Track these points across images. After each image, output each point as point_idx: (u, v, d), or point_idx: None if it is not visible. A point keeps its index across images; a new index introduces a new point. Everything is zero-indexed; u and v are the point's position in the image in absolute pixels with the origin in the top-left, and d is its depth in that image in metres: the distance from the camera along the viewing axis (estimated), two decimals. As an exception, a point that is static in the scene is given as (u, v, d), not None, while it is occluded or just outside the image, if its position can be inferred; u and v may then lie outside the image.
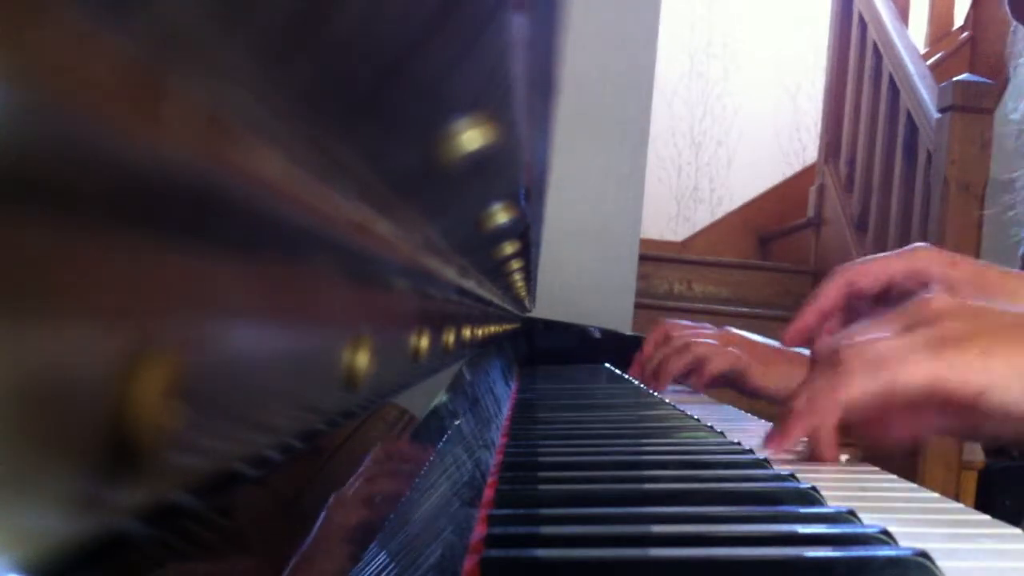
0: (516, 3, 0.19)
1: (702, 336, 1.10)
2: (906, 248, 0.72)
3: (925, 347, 0.54)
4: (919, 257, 0.69)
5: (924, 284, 0.66)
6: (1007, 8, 0.97)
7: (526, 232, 0.47)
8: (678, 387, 1.12)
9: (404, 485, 0.36)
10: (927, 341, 0.54)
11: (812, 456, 0.59)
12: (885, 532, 0.36)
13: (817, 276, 2.85)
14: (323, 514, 0.26)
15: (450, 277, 0.41)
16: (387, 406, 0.35)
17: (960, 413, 0.54)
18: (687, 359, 1.07)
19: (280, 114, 0.13)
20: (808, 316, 0.73)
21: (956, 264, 0.67)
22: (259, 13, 0.11)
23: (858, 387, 0.54)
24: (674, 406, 0.85)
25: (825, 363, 0.57)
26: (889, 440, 0.57)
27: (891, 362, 0.54)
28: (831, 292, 0.72)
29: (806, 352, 1.05)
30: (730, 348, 1.05)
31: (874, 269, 0.71)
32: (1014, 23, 1.06)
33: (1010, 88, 1.10)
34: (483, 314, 0.70)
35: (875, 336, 0.56)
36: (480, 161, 0.22)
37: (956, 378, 0.52)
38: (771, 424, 0.76)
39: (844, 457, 0.60)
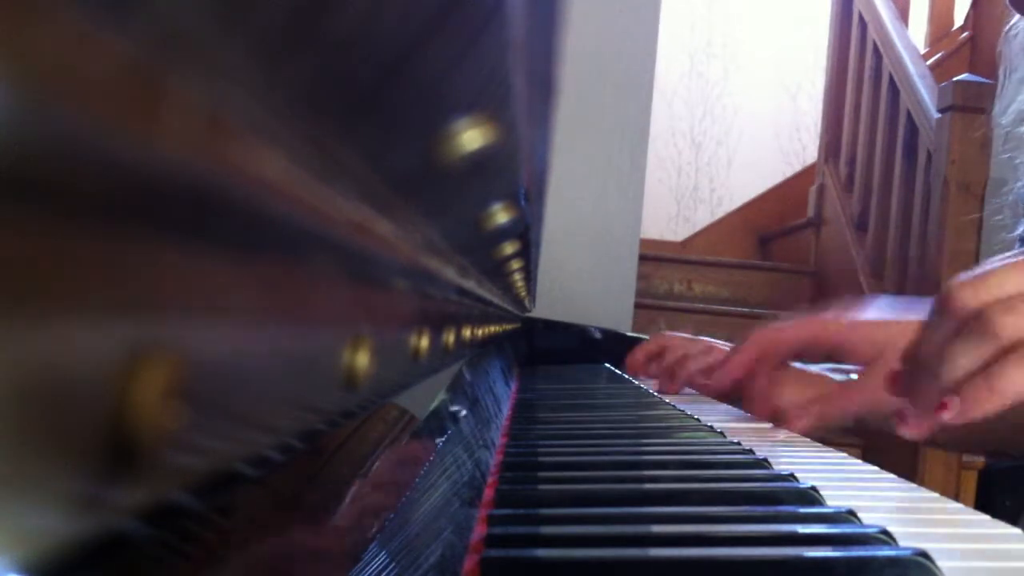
0: (516, 3, 0.19)
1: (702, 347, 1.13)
2: (809, 317, 0.80)
3: None
4: (817, 325, 0.77)
5: (837, 343, 0.75)
6: (1007, 0, 0.97)
7: (526, 232, 0.47)
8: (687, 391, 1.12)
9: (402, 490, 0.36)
10: None
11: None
12: (885, 532, 0.36)
13: (817, 276, 2.85)
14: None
15: (450, 277, 0.41)
16: (387, 406, 0.35)
17: None
18: (709, 360, 1.08)
19: (280, 114, 0.13)
20: (733, 369, 0.81)
21: (852, 328, 0.74)
22: (259, 13, 0.11)
23: (1019, 380, 0.47)
24: (674, 406, 0.85)
25: (966, 329, 0.48)
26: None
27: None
28: (748, 353, 0.80)
29: (825, 372, 1.05)
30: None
31: (786, 336, 0.79)
32: (1007, 23, 1.06)
33: (999, 89, 1.10)
34: (483, 314, 0.70)
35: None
36: (480, 161, 0.22)
37: None
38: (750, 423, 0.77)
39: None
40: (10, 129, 0.07)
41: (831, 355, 0.76)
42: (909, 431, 0.53)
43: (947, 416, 0.50)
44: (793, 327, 0.79)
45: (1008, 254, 0.53)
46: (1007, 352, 0.47)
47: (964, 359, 0.48)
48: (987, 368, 0.47)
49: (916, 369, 0.52)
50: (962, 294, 0.49)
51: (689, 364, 1.09)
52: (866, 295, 2.36)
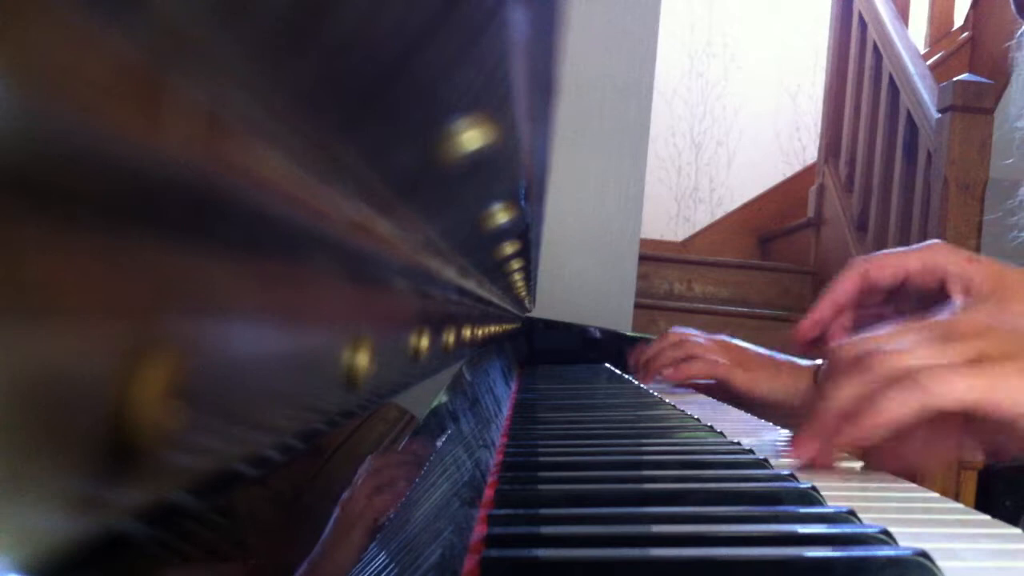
0: (516, 3, 0.19)
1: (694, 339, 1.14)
2: (922, 244, 0.71)
3: (964, 364, 0.52)
4: (936, 253, 0.69)
5: (940, 281, 0.67)
6: (1014, 8, 0.97)
7: (526, 232, 0.47)
8: (679, 388, 1.12)
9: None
10: (965, 358, 0.52)
11: (815, 462, 0.57)
12: (885, 532, 0.36)
13: (817, 276, 2.85)
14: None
15: (450, 277, 0.41)
16: (387, 406, 0.35)
17: (991, 432, 0.53)
18: (679, 354, 1.11)
19: (280, 114, 0.13)
20: (824, 308, 0.73)
21: (973, 262, 0.67)
22: (259, 13, 0.11)
23: (896, 407, 0.52)
24: (674, 406, 0.85)
25: (849, 370, 0.55)
26: (906, 463, 0.56)
27: (928, 378, 0.53)
28: (847, 284, 0.72)
29: (797, 360, 1.06)
30: (716, 356, 1.09)
31: (891, 263, 0.70)
32: (1019, 30, 1.06)
33: (1012, 91, 1.10)
34: (483, 314, 0.70)
35: (905, 346, 0.54)
36: (480, 161, 0.22)
37: (999, 397, 0.51)
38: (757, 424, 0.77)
39: (858, 464, 0.59)
40: (10, 129, 0.07)
41: (932, 294, 0.67)
42: (800, 455, 0.57)
43: (840, 440, 0.55)
44: (896, 260, 0.70)
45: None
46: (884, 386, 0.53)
47: (848, 389, 0.54)
48: (869, 398, 0.53)
49: (815, 406, 0.57)
50: (846, 349, 0.56)
51: (663, 357, 1.12)
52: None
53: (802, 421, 0.58)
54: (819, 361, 1.02)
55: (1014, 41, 1.09)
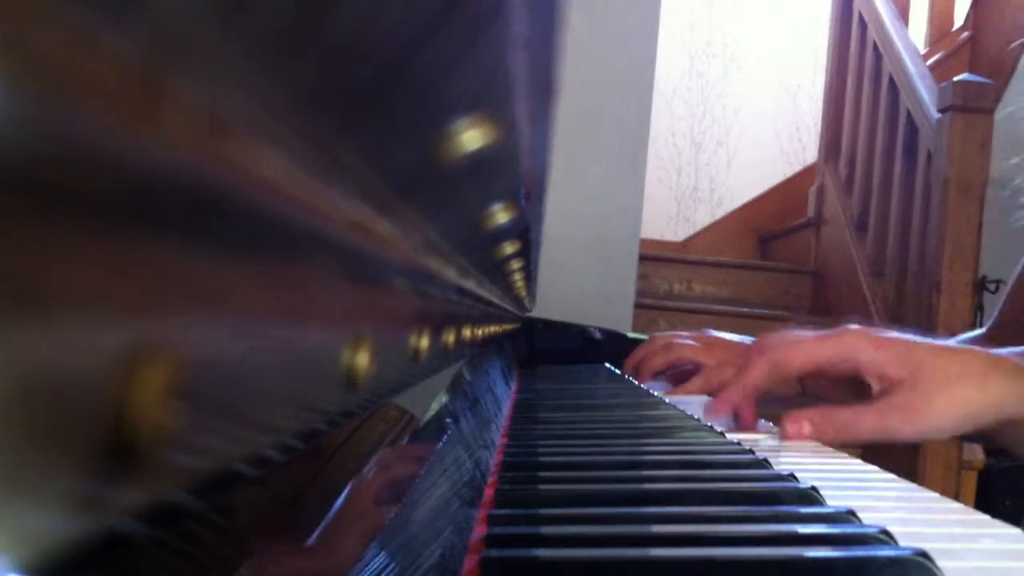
0: (516, 3, 0.19)
1: (680, 338, 1.17)
2: (835, 331, 0.75)
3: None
4: (847, 342, 0.72)
5: (854, 369, 0.71)
6: None
7: (526, 232, 0.47)
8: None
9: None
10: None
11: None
12: (885, 532, 0.36)
13: (817, 276, 2.85)
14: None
15: (450, 277, 0.41)
16: (387, 406, 0.35)
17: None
18: (670, 358, 1.15)
19: (280, 114, 0.13)
20: (732, 394, 0.77)
21: (883, 347, 0.70)
22: (259, 13, 0.11)
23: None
24: (674, 406, 0.85)
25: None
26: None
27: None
28: (755, 373, 0.76)
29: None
30: (703, 358, 1.12)
31: (802, 353, 0.74)
32: None
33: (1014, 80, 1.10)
34: (483, 314, 0.70)
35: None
36: (480, 161, 0.22)
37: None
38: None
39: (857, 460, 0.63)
40: (10, 129, 0.07)
41: (853, 377, 0.73)
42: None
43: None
44: (805, 351, 0.74)
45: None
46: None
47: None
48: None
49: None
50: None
51: (653, 361, 1.16)
52: (865, 306, 2.36)
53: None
54: None
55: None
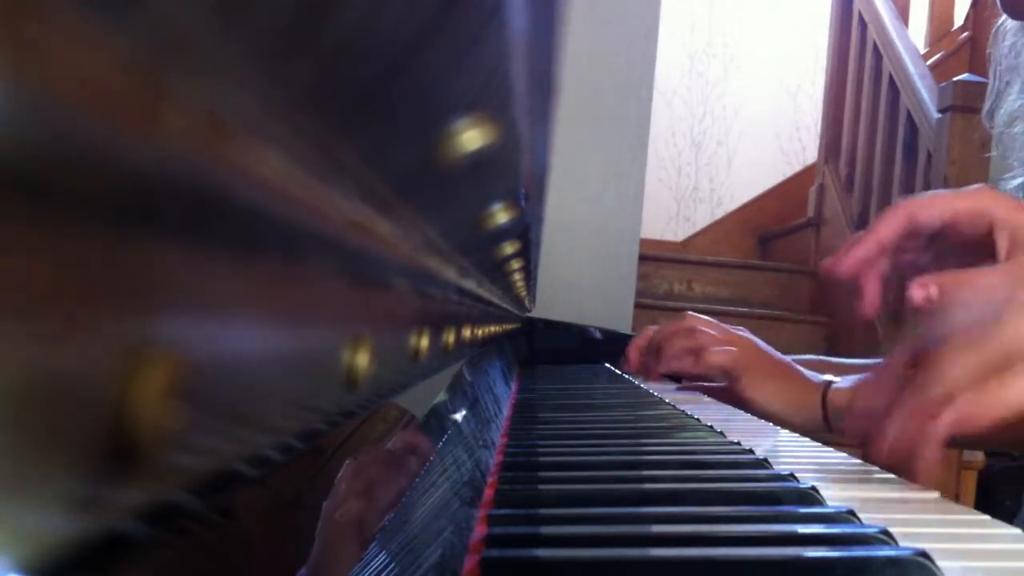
0: (516, 3, 0.19)
1: (711, 329, 1.07)
2: (969, 188, 0.68)
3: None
4: (984, 197, 0.66)
5: (988, 226, 0.64)
6: (999, 3, 0.96)
7: (526, 232, 0.47)
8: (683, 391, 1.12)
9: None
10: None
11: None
12: (885, 532, 0.36)
13: (817, 276, 2.85)
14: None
15: (450, 277, 0.41)
16: (387, 406, 0.35)
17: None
18: (690, 343, 1.04)
19: (280, 114, 0.13)
20: (867, 246, 0.68)
21: (1021, 210, 0.64)
22: (259, 13, 0.11)
23: (1010, 394, 0.50)
24: (674, 406, 0.85)
25: (959, 342, 0.51)
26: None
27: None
28: (893, 223, 0.67)
29: (808, 374, 1.01)
30: (725, 358, 1.02)
31: (939, 204, 0.66)
32: (996, 22, 1.05)
33: (989, 90, 1.09)
34: (483, 314, 0.70)
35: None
36: (480, 161, 0.22)
37: None
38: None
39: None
40: (10, 129, 0.07)
41: (982, 238, 0.64)
42: (882, 452, 0.53)
43: (942, 431, 0.51)
44: (943, 202, 0.66)
45: None
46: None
47: (962, 366, 0.51)
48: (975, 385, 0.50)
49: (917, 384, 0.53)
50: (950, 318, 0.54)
51: (673, 343, 1.05)
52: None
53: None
54: (828, 377, 0.98)
55: (991, 36, 1.08)
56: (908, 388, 0.52)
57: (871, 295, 0.68)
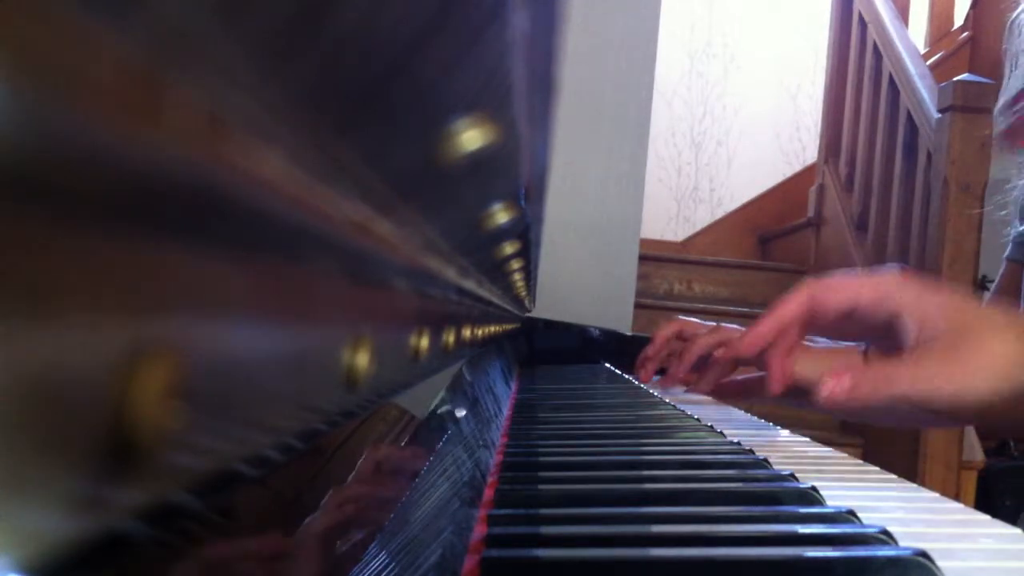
0: (516, 3, 0.19)
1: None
2: (877, 272, 0.70)
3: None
4: (891, 283, 0.67)
5: (892, 313, 0.66)
6: None
7: (526, 232, 0.47)
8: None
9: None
10: None
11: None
12: (885, 532, 0.36)
13: (817, 276, 2.85)
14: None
15: (450, 277, 0.41)
16: (387, 406, 0.35)
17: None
18: (716, 338, 1.00)
19: (280, 114, 0.13)
20: (765, 326, 0.72)
21: (927, 295, 0.65)
22: (259, 13, 0.11)
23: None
24: (674, 406, 0.85)
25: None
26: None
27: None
28: (792, 306, 0.71)
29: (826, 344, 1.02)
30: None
31: (843, 289, 0.69)
32: (1012, 15, 1.05)
33: (1004, 84, 1.09)
34: (483, 314, 0.70)
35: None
36: (480, 161, 0.22)
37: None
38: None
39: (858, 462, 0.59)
40: (10, 129, 0.07)
41: (887, 324, 0.67)
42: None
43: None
44: (846, 287, 0.69)
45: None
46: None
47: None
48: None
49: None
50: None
51: (698, 344, 1.01)
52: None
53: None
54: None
55: (1006, 29, 1.08)
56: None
57: (776, 371, 0.71)
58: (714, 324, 1.06)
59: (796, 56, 3.62)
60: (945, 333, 0.62)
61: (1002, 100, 1.10)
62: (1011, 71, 1.08)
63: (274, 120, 0.13)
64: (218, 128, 0.12)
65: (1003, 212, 1.11)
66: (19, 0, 0.07)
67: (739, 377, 0.98)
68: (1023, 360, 0.60)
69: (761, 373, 0.93)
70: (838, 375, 0.62)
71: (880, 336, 0.68)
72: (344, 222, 0.20)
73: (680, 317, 1.15)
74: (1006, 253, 1.16)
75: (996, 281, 1.05)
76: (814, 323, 0.71)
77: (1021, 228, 1.10)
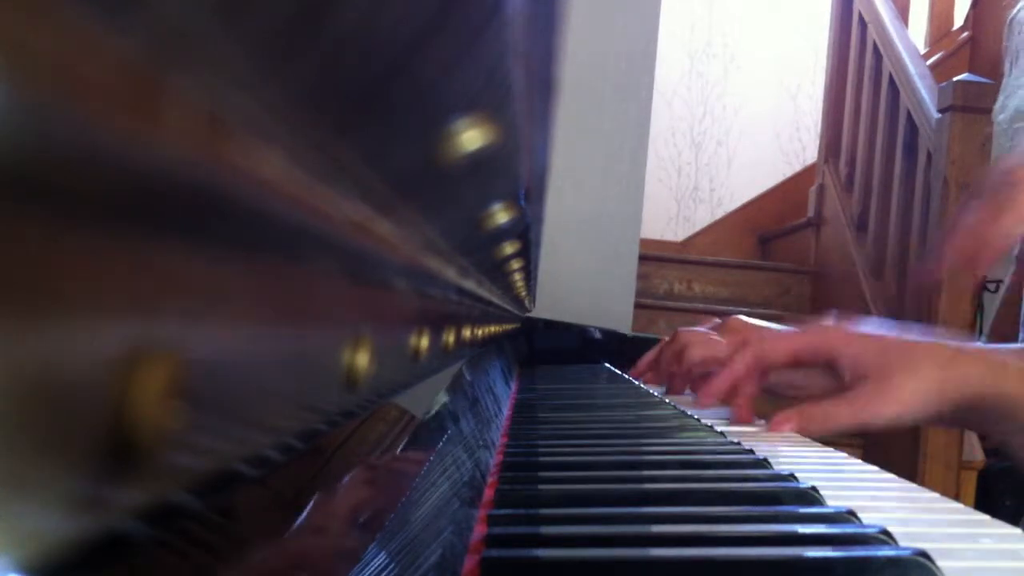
0: (516, 3, 0.19)
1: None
2: (812, 326, 0.82)
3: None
4: (824, 334, 0.80)
5: (830, 358, 0.78)
6: None
7: (526, 232, 0.47)
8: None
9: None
10: None
11: None
12: (885, 532, 0.36)
13: (817, 276, 2.85)
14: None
15: (450, 277, 0.41)
16: (387, 406, 0.35)
17: None
18: (708, 353, 0.99)
19: (280, 114, 0.13)
20: (722, 381, 0.83)
21: (857, 341, 0.77)
22: (259, 13, 0.11)
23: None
24: (674, 406, 0.85)
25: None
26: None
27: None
28: (741, 364, 0.83)
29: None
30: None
31: (782, 346, 0.82)
32: (1010, 14, 1.07)
33: (1004, 82, 1.10)
34: (483, 314, 0.70)
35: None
36: (480, 161, 0.22)
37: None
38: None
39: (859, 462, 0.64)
40: (10, 129, 0.07)
41: (827, 366, 0.79)
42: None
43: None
44: (784, 341, 0.82)
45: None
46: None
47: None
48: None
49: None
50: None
51: (691, 354, 1.02)
52: (865, 305, 2.35)
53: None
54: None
55: (1006, 27, 1.09)
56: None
57: (742, 413, 0.83)
58: (703, 332, 1.05)
59: (796, 56, 3.62)
60: (874, 370, 0.74)
61: (1001, 98, 1.11)
62: (1010, 68, 1.09)
63: (274, 120, 0.13)
64: (218, 128, 0.12)
65: None
66: (19, 0, 0.07)
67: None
68: (947, 383, 0.71)
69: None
70: (786, 418, 0.76)
71: (823, 377, 0.81)
72: (344, 222, 0.20)
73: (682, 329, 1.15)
74: (1015, 251, 1.17)
75: (1006, 281, 1.06)
76: (765, 374, 0.84)
77: None
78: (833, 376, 0.79)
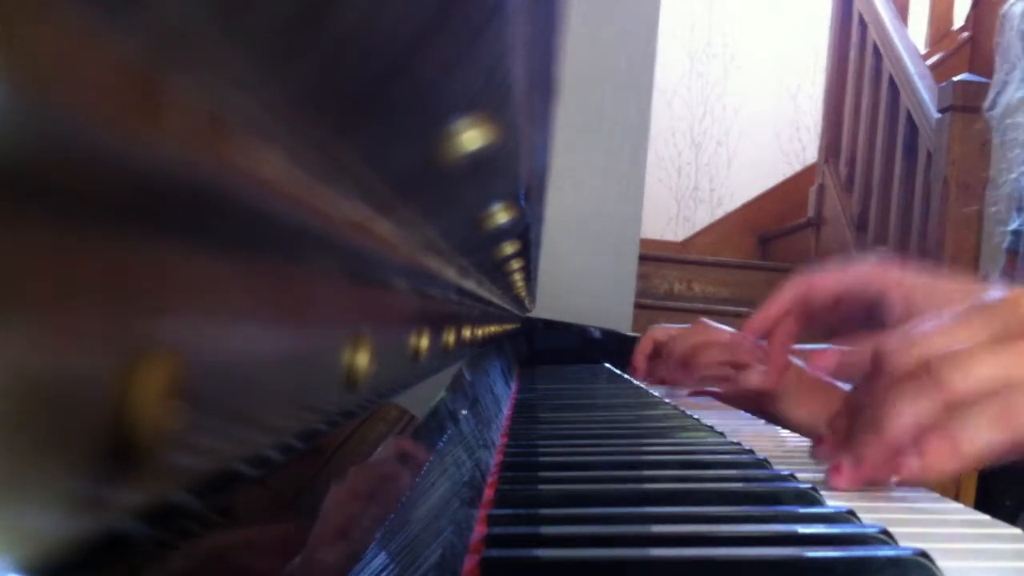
0: (516, 3, 0.19)
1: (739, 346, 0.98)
2: (861, 261, 0.76)
3: None
4: (875, 268, 0.74)
5: (879, 293, 0.71)
6: None
7: (526, 232, 0.47)
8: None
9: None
10: None
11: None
12: (885, 532, 0.36)
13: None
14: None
15: (450, 277, 0.41)
16: (387, 406, 0.35)
17: None
18: (725, 357, 0.96)
19: (280, 114, 0.13)
20: (764, 316, 0.78)
21: (907, 276, 0.71)
22: (259, 13, 0.11)
23: (983, 437, 0.44)
24: (674, 406, 0.85)
25: (912, 375, 0.46)
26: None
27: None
28: (786, 295, 0.77)
29: (832, 380, 0.99)
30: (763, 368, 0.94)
31: (831, 278, 0.76)
32: (1004, 8, 1.06)
33: (993, 81, 1.10)
34: (483, 314, 0.70)
35: (971, 347, 0.46)
36: (480, 161, 0.22)
37: None
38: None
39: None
40: (10, 129, 0.07)
41: (870, 308, 0.71)
42: (842, 483, 0.49)
43: (906, 473, 0.47)
44: (834, 274, 0.76)
45: (948, 313, 0.50)
46: (956, 407, 0.45)
47: (910, 410, 0.46)
48: (943, 424, 0.45)
49: (856, 422, 0.49)
50: (901, 351, 0.47)
51: (710, 353, 0.97)
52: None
53: (842, 433, 0.50)
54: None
55: (998, 23, 1.08)
56: (861, 420, 0.49)
57: (778, 357, 0.79)
58: (687, 328, 1.04)
59: (796, 56, 3.62)
60: (926, 311, 0.58)
61: (992, 94, 1.11)
62: (1002, 64, 1.08)
63: (274, 120, 0.13)
64: (218, 128, 0.12)
65: (993, 208, 1.12)
66: (19, 0, 0.07)
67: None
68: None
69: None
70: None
71: (867, 321, 0.71)
72: (344, 222, 0.20)
73: (655, 327, 1.14)
74: (1005, 244, 1.17)
75: (998, 274, 1.06)
76: (809, 311, 0.77)
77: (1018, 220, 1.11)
78: (871, 325, 0.66)
